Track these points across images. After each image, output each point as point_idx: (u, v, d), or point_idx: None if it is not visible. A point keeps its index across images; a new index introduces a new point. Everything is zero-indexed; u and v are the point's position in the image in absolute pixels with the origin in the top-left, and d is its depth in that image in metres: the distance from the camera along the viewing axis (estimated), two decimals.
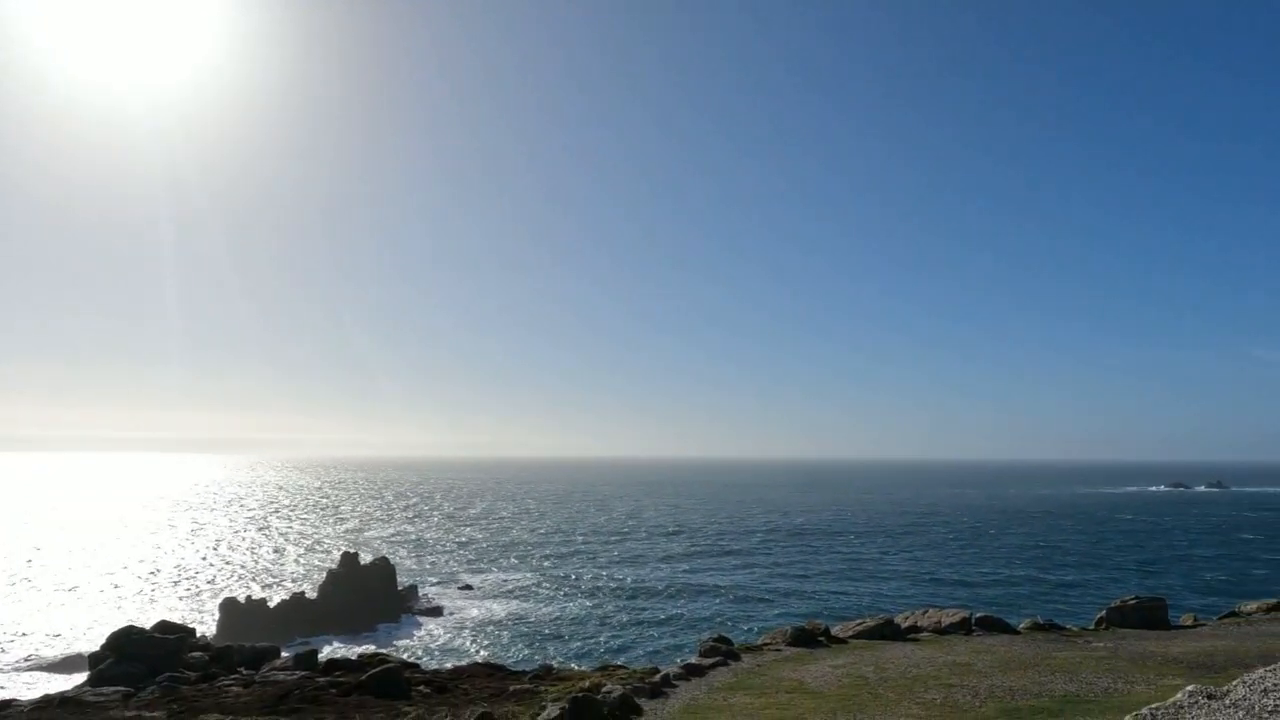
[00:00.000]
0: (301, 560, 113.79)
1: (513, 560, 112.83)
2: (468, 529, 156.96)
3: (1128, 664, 17.12)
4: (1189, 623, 23.70)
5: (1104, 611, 23.96)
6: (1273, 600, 32.32)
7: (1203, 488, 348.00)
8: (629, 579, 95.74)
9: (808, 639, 21.27)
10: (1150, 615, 23.29)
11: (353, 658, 22.53)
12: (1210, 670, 15.94)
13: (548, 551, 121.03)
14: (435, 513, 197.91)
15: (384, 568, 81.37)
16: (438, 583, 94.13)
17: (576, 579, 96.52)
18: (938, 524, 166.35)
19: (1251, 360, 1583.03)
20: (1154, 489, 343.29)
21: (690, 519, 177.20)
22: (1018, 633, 22.51)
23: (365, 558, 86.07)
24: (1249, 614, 25.11)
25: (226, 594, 79.01)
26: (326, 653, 63.69)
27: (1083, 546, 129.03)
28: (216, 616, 70.12)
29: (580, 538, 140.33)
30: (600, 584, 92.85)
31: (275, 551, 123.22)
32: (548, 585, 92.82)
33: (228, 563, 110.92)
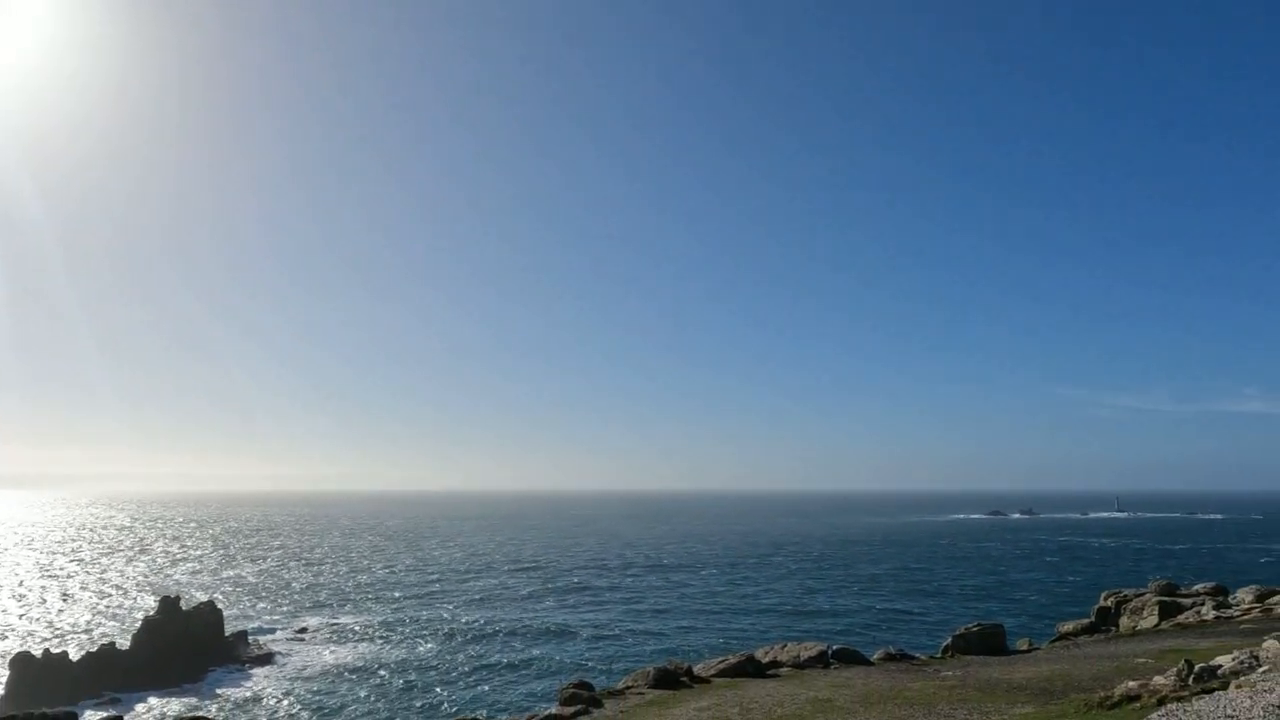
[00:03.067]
0: (111, 608, 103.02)
1: (357, 601, 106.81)
2: (310, 569, 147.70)
3: (978, 693, 17.68)
4: (1025, 647, 25.03)
5: (949, 639, 24.90)
6: (1085, 620, 35.11)
7: (1016, 515, 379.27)
8: (481, 620, 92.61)
9: (670, 680, 20.79)
10: (991, 641, 24.40)
11: None
12: (1053, 696, 16.68)
13: (396, 593, 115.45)
14: (275, 551, 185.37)
15: (210, 612, 74.91)
16: (272, 628, 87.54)
17: (426, 621, 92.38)
18: (782, 554, 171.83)
19: (1056, 398, 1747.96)
20: (975, 517, 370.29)
21: (543, 554, 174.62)
22: (872, 664, 22.97)
23: (189, 602, 78.97)
24: (1074, 636, 26.86)
25: (17, 650, 70.04)
26: (136, 713, 57.66)
27: (917, 574, 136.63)
28: (6, 676, 61.96)
29: (430, 576, 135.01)
30: (451, 626, 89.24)
31: (71, 599, 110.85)
32: (395, 628, 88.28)
33: (17, 615, 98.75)
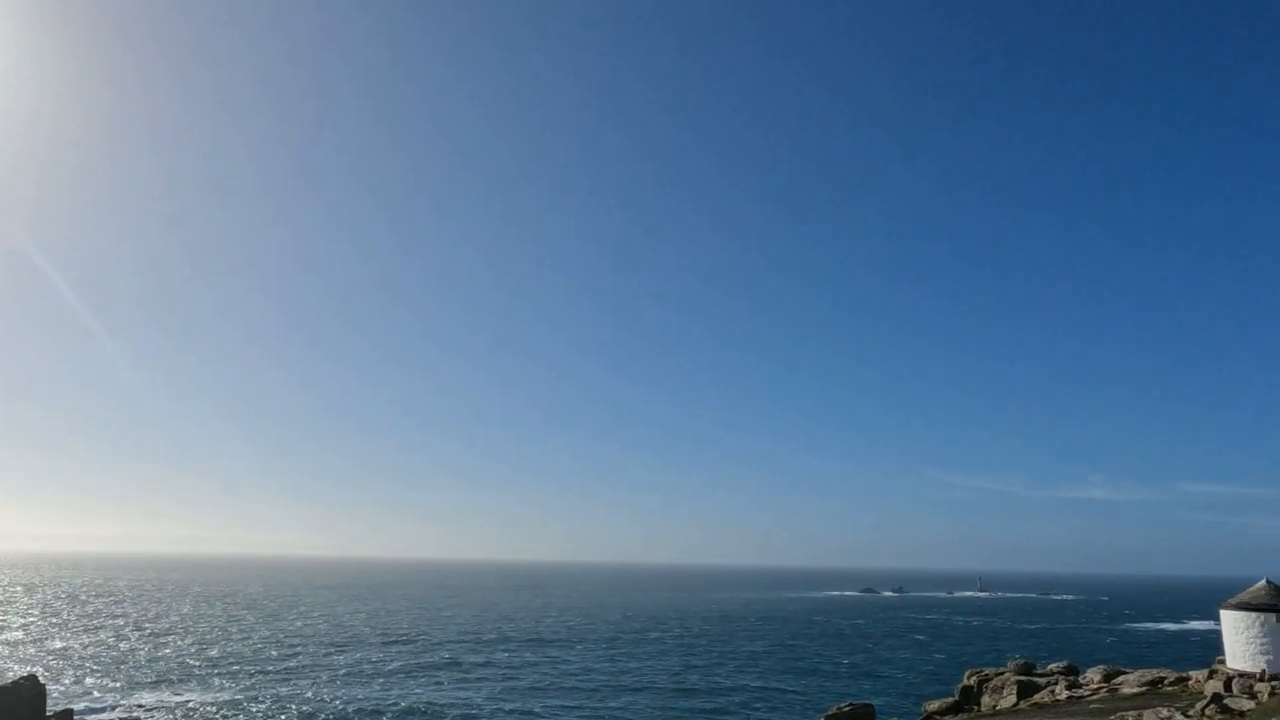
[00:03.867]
0: None
1: (203, 677, 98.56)
2: (152, 639, 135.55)
3: None
4: None
5: (822, 719, 25.09)
6: (950, 699, 36.16)
7: (888, 592, 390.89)
8: (344, 698, 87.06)
9: None
10: None
11: None
12: None
13: (250, 667, 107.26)
14: (114, 620, 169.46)
15: (30, 688, 67.31)
16: (103, 706, 79.47)
17: (282, 699, 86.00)
18: (660, 630, 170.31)
19: (926, 480, 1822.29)
20: (849, 593, 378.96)
21: (415, 626, 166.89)
22: None
23: (6, 676, 71.02)
24: (940, 715, 27.52)
25: None
26: None
27: (795, 650, 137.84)
28: None
29: (290, 649, 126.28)
30: (311, 705, 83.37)
31: None
32: (245, 707, 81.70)
33: None
